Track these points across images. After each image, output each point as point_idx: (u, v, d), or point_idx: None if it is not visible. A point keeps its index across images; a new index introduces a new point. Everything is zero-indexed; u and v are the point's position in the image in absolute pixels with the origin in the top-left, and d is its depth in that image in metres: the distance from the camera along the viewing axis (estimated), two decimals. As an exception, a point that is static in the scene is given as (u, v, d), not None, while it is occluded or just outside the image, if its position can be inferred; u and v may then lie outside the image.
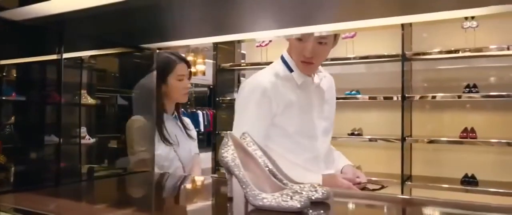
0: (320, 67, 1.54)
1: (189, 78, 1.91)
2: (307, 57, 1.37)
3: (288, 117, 1.40)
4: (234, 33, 1.24)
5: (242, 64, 4.26)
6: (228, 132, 0.93)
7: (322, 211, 0.85)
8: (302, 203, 0.79)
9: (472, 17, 3.08)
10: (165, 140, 1.75)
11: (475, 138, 3.12)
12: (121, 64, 1.56)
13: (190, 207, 1.01)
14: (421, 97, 3.31)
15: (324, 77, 1.55)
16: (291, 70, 1.45)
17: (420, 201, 1.06)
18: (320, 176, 1.38)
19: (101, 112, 1.84)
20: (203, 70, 4.95)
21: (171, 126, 1.83)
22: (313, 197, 0.87)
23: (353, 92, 3.55)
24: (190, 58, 4.71)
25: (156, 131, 1.74)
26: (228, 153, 0.89)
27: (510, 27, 3.09)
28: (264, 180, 0.89)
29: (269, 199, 0.81)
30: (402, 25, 3.18)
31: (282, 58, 1.49)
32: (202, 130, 6.41)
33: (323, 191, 0.88)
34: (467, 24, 3.06)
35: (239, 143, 0.92)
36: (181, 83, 1.83)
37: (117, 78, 1.65)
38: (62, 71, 1.08)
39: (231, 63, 4.23)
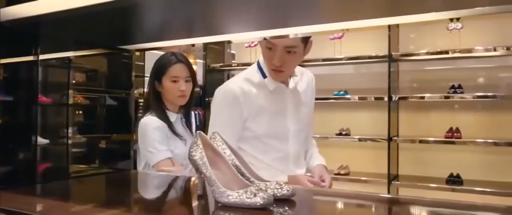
0: (297, 69, 1.57)
1: (190, 81, 1.82)
2: (277, 65, 1.40)
3: (259, 121, 1.45)
4: (212, 35, 1.26)
5: (232, 65, 4.29)
6: (198, 131, 0.96)
7: (286, 208, 0.88)
8: (265, 199, 0.82)
9: (457, 19, 3.13)
10: (176, 134, 1.77)
11: (460, 138, 3.17)
12: (102, 64, 1.58)
13: (160, 204, 1.04)
14: (407, 97, 3.35)
15: (300, 80, 1.57)
16: (265, 76, 1.48)
17: (405, 200, 1.08)
18: (285, 177, 1.43)
19: (85, 112, 1.86)
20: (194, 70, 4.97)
21: (177, 126, 1.84)
22: (278, 194, 0.91)
23: (341, 92, 3.59)
24: (181, 58, 4.73)
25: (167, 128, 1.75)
26: (197, 152, 0.92)
27: (493, 29, 3.15)
28: (232, 178, 0.92)
29: (233, 196, 0.84)
30: (389, 26, 3.22)
31: (258, 64, 1.52)
32: (195, 130, 6.42)
33: (288, 188, 0.91)
34: (452, 25, 3.11)
35: (208, 142, 0.95)
36: (175, 85, 1.78)
37: (98, 79, 1.68)
38: (38, 72, 1.10)
39: (221, 64, 4.26)
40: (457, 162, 3.30)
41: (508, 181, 3.01)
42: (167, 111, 1.82)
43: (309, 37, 1.41)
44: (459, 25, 3.10)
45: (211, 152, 0.96)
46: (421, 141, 3.28)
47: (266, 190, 0.86)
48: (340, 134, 3.61)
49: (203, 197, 0.94)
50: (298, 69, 1.58)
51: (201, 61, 4.39)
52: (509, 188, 2.90)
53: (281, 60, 1.39)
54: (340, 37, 3.47)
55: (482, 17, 3.01)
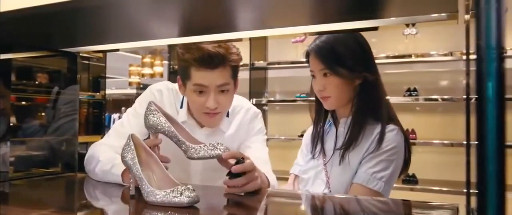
0: (232, 108, 1.39)
1: (330, 74, 1.30)
2: (212, 108, 1.24)
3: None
4: (149, 39, 1.30)
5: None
6: (131, 133, 0.99)
7: (214, 206, 0.92)
8: (190, 199, 0.86)
9: (413, 25, 3.25)
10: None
11: (415, 138, 3.29)
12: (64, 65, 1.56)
13: (86, 205, 1.05)
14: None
15: (228, 123, 1.39)
16: (181, 105, 1.37)
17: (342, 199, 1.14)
18: None
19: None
20: (161, 72, 4.96)
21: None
22: (208, 154, 0.96)
23: (303, 95, 3.66)
24: (147, 59, 4.71)
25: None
26: (128, 153, 0.95)
27: (447, 34, 3.28)
28: (163, 179, 0.96)
29: (161, 195, 0.88)
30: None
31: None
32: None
33: (221, 148, 0.97)
34: (407, 31, 3.23)
35: (141, 144, 0.98)
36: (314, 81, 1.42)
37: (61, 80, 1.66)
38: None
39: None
40: (413, 162, 3.42)
41: (460, 180, 3.15)
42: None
43: (238, 72, 1.30)
44: (414, 30, 3.22)
45: (144, 154, 0.99)
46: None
47: (193, 190, 0.90)
48: (302, 135, 3.67)
49: (135, 197, 0.97)
50: (234, 107, 1.39)
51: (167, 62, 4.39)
52: (461, 187, 3.03)
53: (216, 102, 1.23)
54: (302, 41, 3.54)
55: (436, 23, 3.15)
